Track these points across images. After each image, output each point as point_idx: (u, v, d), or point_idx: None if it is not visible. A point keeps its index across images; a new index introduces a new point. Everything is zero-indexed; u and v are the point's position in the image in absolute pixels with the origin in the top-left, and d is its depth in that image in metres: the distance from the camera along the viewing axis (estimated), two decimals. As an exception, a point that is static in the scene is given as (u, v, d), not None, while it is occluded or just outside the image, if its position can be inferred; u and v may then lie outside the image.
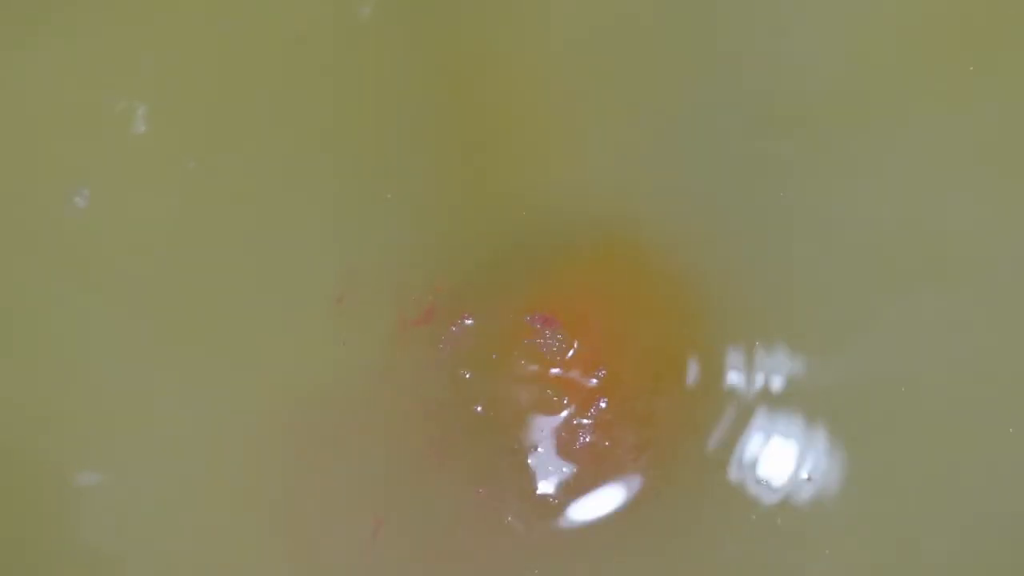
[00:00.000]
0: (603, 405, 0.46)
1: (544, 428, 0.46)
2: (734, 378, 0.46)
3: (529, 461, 0.46)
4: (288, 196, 0.47)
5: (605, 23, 0.47)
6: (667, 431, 0.46)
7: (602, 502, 0.46)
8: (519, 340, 0.46)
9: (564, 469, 0.46)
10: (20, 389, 0.46)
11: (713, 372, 0.46)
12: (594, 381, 0.46)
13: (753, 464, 0.46)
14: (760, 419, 0.46)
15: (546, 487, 0.46)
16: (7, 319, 0.46)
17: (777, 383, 0.46)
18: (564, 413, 0.46)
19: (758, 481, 0.45)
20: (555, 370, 0.46)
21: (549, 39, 0.47)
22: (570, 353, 0.46)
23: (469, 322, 0.46)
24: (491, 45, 0.47)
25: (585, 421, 0.46)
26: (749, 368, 0.46)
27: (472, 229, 0.47)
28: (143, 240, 0.47)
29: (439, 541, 0.45)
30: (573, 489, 0.46)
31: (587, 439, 0.46)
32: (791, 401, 0.46)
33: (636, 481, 0.46)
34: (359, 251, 0.47)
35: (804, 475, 0.45)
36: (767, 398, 0.46)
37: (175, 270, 0.46)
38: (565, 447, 0.46)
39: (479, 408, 0.46)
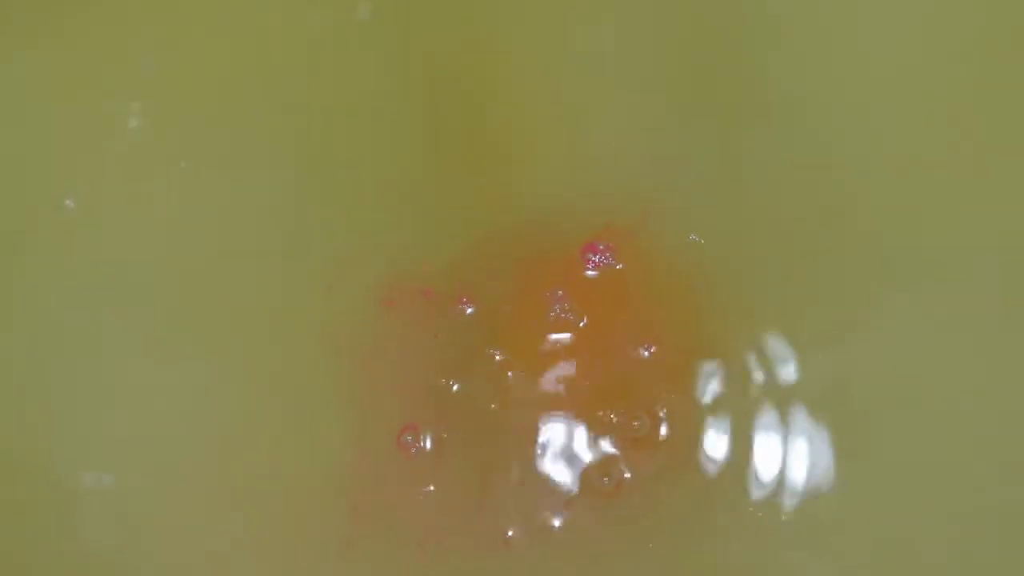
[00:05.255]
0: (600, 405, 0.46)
1: (542, 427, 0.46)
2: (736, 377, 0.46)
3: (527, 459, 0.46)
4: (278, 191, 0.47)
5: (609, 24, 0.47)
6: (671, 430, 0.45)
7: (605, 503, 0.45)
8: (513, 333, 0.46)
9: (565, 469, 0.46)
10: (18, 391, 0.46)
11: (716, 371, 0.46)
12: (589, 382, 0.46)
13: (756, 463, 0.45)
14: (763, 417, 0.46)
15: (546, 486, 0.45)
16: (6, 321, 0.46)
17: (779, 381, 0.46)
18: (563, 411, 0.46)
19: (760, 480, 0.45)
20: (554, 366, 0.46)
21: (550, 36, 0.47)
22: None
23: (463, 308, 0.46)
24: (490, 40, 0.47)
25: (584, 420, 0.46)
26: (751, 366, 0.46)
27: (464, 217, 0.46)
28: (136, 240, 0.46)
29: (430, 540, 0.45)
30: (575, 489, 0.46)
31: (588, 438, 0.46)
32: (793, 399, 0.46)
33: (640, 481, 0.45)
34: (346, 241, 0.46)
35: (807, 474, 0.45)
36: (769, 396, 0.46)
37: (167, 269, 0.46)
38: (566, 447, 0.46)
39: (472, 399, 0.46)
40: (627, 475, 0.45)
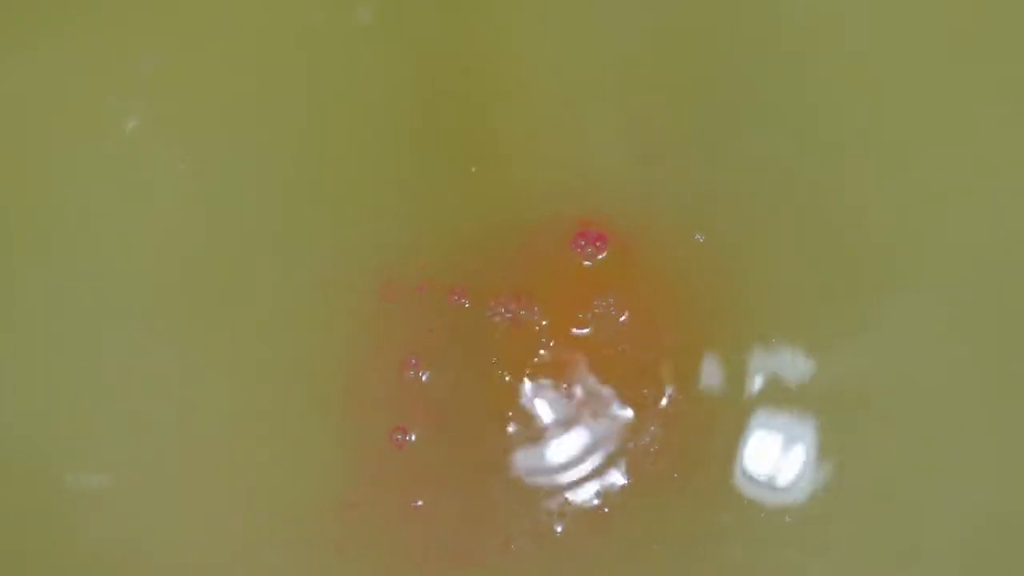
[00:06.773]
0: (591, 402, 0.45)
1: (540, 426, 0.45)
2: (736, 378, 0.45)
3: (523, 459, 0.45)
4: (276, 190, 0.47)
5: (606, 23, 0.47)
6: (672, 431, 0.45)
7: (608, 505, 0.45)
8: (509, 329, 0.46)
9: (565, 470, 0.45)
10: (17, 391, 0.46)
11: (716, 372, 0.45)
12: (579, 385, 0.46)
13: (756, 463, 0.45)
14: (762, 418, 0.45)
15: (545, 487, 0.45)
16: (5, 321, 0.46)
17: (778, 383, 0.45)
18: (563, 411, 0.46)
19: (761, 480, 0.45)
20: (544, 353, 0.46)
21: (548, 36, 0.47)
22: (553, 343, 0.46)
23: (459, 302, 0.46)
24: (488, 39, 0.47)
25: (586, 422, 0.45)
26: (751, 368, 0.45)
27: (460, 213, 0.46)
28: (134, 240, 0.47)
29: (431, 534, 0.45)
30: (576, 487, 0.45)
31: (590, 440, 0.45)
32: (793, 400, 0.45)
33: (642, 484, 0.45)
34: (343, 238, 0.46)
35: (806, 474, 0.45)
36: (769, 397, 0.45)
37: (166, 269, 0.46)
38: (566, 448, 0.45)
39: (467, 395, 0.45)
40: (630, 481, 0.45)
